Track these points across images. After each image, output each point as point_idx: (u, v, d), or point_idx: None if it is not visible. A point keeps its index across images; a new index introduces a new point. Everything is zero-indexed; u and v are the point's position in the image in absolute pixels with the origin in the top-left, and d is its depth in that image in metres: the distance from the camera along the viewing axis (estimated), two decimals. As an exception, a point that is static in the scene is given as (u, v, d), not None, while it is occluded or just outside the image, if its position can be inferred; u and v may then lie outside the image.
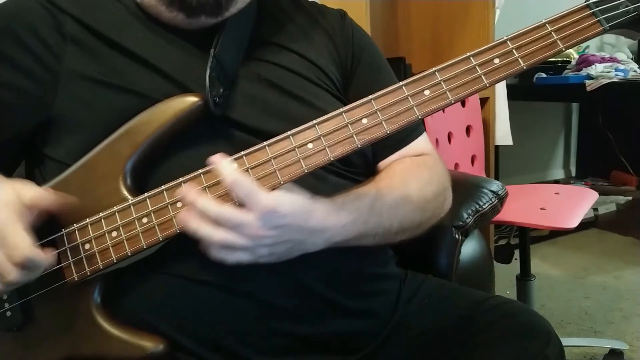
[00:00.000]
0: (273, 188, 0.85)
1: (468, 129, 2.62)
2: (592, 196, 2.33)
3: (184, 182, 0.87)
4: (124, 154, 0.90)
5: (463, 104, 2.57)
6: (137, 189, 0.90)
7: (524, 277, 2.31)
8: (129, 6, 1.00)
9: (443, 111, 2.44)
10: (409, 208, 1.00)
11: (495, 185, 1.54)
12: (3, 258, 0.79)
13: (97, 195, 0.90)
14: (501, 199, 1.53)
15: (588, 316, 2.63)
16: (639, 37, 0.86)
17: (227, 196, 0.85)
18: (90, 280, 0.89)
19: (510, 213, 2.08)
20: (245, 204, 0.82)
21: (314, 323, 0.96)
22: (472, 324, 1.02)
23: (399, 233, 1.00)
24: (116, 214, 0.88)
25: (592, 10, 0.82)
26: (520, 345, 0.96)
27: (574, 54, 3.65)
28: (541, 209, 2.17)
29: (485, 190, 1.51)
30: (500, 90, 2.82)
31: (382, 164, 1.11)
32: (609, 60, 3.37)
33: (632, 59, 3.62)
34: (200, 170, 0.87)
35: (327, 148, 0.85)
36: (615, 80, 3.12)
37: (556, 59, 3.63)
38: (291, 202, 0.84)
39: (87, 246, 0.88)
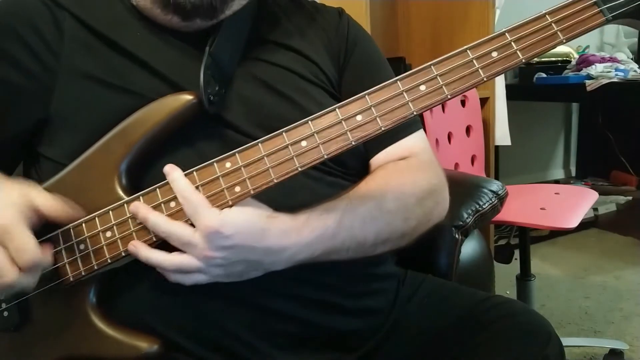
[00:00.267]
0: (266, 187, 0.84)
1: (468, 129, 2.62)
2: (592, 196, 2.33)
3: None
4: (119, 154, 0.90)
5: (463, 103, 2.57)
6: (133, 188, 0.90)
7: (524, 277, 2.31)
8: (127, 5, 1.00)
9: (443, 111, 2.44)
10: (387, 218, 0.96)
11: (495, 185, 1.54)
12: (5, 258, 0.79)
13: (93, 194, 0.89)
14: (501, 199, 1.53)
15: (588, 316, 2.63)
16: None
17: (180, 213, 0.86)
18: (86, 280, 0.89)
19: (510, 213, 2.09)
20: (193, 222, 0.83)
21: (311, 323, 0.96)
22: (472, 323, 1.02)
23: (378, 245, 0.96)
24: (110, 213, 0.87)
25: (594, 0, 0.79)
26: (520, 345, 0.96)
27: (574, 53, 3.66)
28: (541, 209, 2.17)
29: (485, 190, 1.51)
30: (500, 91, 2.82)
31: (372, 161, 1.08)
32: (609, 60, 3.37)
33: (632, 59, 3.62)
34: (193, 169, 0.86)
35: (320, 145, 0.82)
36: (615, 80, 3.13)
37: (556, 59, 3.64)
38: (237, 222, 0.82)
39: (82, 246, 0.88)
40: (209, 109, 0.91)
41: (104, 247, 0.87)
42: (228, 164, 0.85)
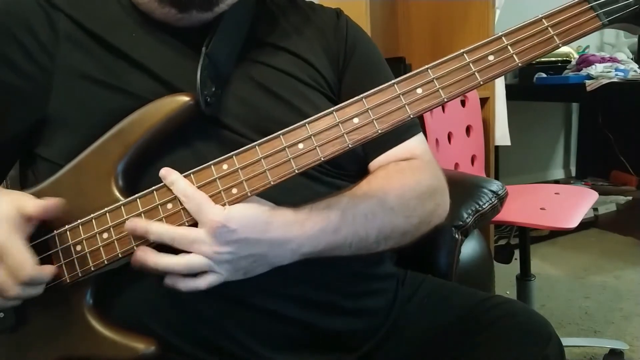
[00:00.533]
0: (263, 189, 0.84)
1: (468, 129, 2.62)
2: (592, 196, 2.33)
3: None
4: (116, 155, 0.90)
5: (463, 103, 2.57)
6: (129, 189, 0.90)
7: (524, 277, 2.31)
8: (124, 4, 1.00)
9: (443, 111, 2.44)
10: (389, 215, 0.96)
11: (495, 185, 1.54)
12: (4, 275, 0.80)
13: (89, 196, 0.89)
14: (501, 199, 1.53)
15: (588, 316, 2.63)
16: (639, 31, 0.83)
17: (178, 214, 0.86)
18: (82, 281, 0.89)
19: (510, 213, 2.09)
20: (197, 220, 0.83)
21: (310, 324, 0.96)
22: (472, 323, 1.02)
23: (380, 242, 0.96)
24: (107, 214, 0.87)
25: (590, 4, 0.79)
26: (520, 345, 0.96)
27: (574, 53, 3.66)
28: (541, 209, 2.17)
29: (485, 190, 1.51)
30: (499, 91, 2.82)
31: (372, 165, 1.08)
32: (609, 60, 3.37)
33: (632, 59, 3.62)
34: (190, 171, 0.86)
35: (317, 148, 0.83)
36: (615, 80, 3.13)
37: (556, 59, 3.64)
38: (242, 216, 0.83)
39: (78, 247, 0.88)
40: (205, 111, 0.91)
41: (101, 249, 0.87)
42: (225, 166, 0.85)
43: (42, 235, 0.87)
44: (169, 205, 0.86)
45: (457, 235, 1.36)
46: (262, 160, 0.84)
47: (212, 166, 0.85)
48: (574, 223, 2.00)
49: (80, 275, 0.88)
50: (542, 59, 3.61)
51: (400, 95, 0.82)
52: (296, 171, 0.84)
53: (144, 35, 0.98)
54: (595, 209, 3.87)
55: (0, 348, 0.92)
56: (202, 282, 0.83)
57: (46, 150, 0.95)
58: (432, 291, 1.13)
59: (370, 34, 2.22)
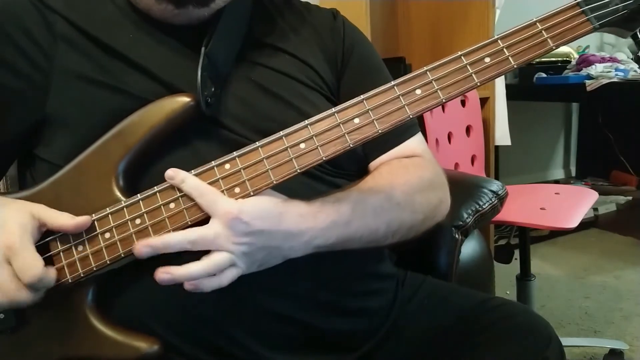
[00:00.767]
0: (266, 188, 0.85)
1: (468, 129, 2.62)
2: (592, 196, 2.33)
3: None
4: (117, 155, 0.90)
5: (463, 103, 2.57)
6: (130, 189, 0.90)
7: (524, 277, 2.31)
8: (120, 5, 1.00)
9: (443, 111, 2.45)
10: (396, 210, 0.98)
11: (495, 185, 1.54)
12: (10, 276, 0.81)
13: (90, 196, 0.89)
14: (501, 199, 1.53)
15: (588, 316, 2.63)
16: (628, 35, 0.86)
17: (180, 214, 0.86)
18: (84, 281, 0.89)
19: (510, 213, 2.09)
20: (210, 215, 0.84)
21: (309, 323, 0.96)
22: (472, 325, 1.02)
23: (388, 236, 0.98)
24: (109, 215, 0.88)
25: (582, 9, 0.82)
26: (520, 347, 0.96)
27: (574, 53, 3.66)
28: (541, 209, 2.17)
29: (485, 190, 1.51)
30: (499, 91, 2.82)
31: (372, 164, 1.09)
32: (609, 60, 3.37)
33: (632, 59, 3.62)
34: (192, 172, 0.87)
35: (319, 148, 0.84)
36: (615, 80, 3.13)
37: (556, 59, 3.64)
38: (255, 209, 0.84)
39: (80, 248, 0.88)
40: (206, 111, 0.91)
41: (103, 249, 0.87)
42: (227, 166, 0.86)
43: (44, 236, 0.88)
44: (172, 205, 0.86)
45: (457, 235, 1.36)
46: (265, 160, 0.85)
47: (214, 167, 0.86)
48: (574, 223, 2.00)
49: (82, 275, 0.88)
50: (542, 59, 3.61)
51: (400, 96, 0.84)
52: (298, 170, 0.85)
53: (141, 36, 0.98)
54: (595, 209, 3.87)
55: (2, 349, 0.92)
56: (225, 278, 0.84)
57: (45, 151, 0.95)
58: (432, 292, 1.13)
59: (370, 34, 2.23)
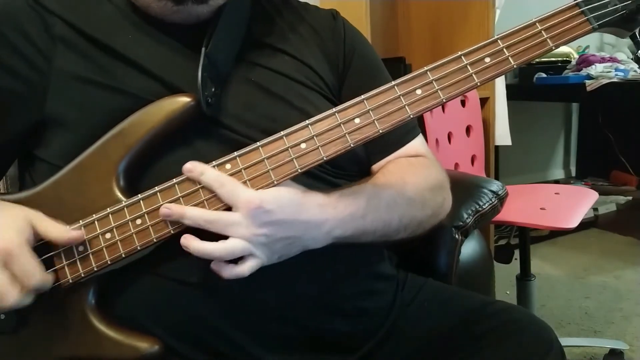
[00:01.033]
0: (267, 188, 0.85)
1: (468, 129, 2.62)
2: (592, 196, 2.33)
3: (177, 183, 0.87)
4: (117, 155, 0.90)
5: (463, 104, 2.57)
6: (130, 189, 0.90)
7: (524, 277, 2.31)
8: (119, 5, 1.00)
9: (443, 111, 2.44)
10: (408, 205, 1.00)
11: (495, 185, 1.54)
12: (6, 280, 0.81)
13: (90, 196, 0.90)
14: (501, 199, 1.52)
15: (588, 316, 2.63)
16: (627, 35, 0.87)
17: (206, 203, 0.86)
18: (85, 281, 0.89)
19: (510, 213, 2.09)
20: (231, 205, 0.84)
21: (308, 324, 0.96)
22: (472, 329, 1.02)
23: (400, 231, 0.99)
24: (110, 215, 0.88)
25: (581, 9, 0.83)
26: (522, 351, 0.95)
27: (574, 53, 3.66)
28: (541, 209, 2.17)
29: (485, 190, 1.51)
30: (500, 91, 2.82)
31: (376, 166, 1.10)
32: (609, 60, 3.37)
33: (632, 59, 3.62)
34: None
35: (320, 148, 0.85)
36: (615, 80, 3.13)
37: (556, 59, 3.64)
38: (277, 197, 0.84)
39: (80, 248, 0.88)
40: (206, 111, 0.91)
41: (104, 249, 0.87)
42: (228, 166, 0.86)
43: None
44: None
45: (457, 236, 1.36)
46: (266, 160, 0.86)
47: (215, 166, 0.86)
48: (574, 223, 2.00)
49: (83, 275, 0.88)
50: (542, 59, 3.62)
51: (401, 96, 0.85)
52: (299, 170, 0.85)
53: (140, 36, 0.98)
54: (595, 209, 3.86)
55: (2, 350, 0.92)
56: (244, 268, 0.84)
57: (45, 152, 0.95)
58: (433, 295, 1.13)
59: (370, 34, 2.23)
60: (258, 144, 0.86)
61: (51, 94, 0.94)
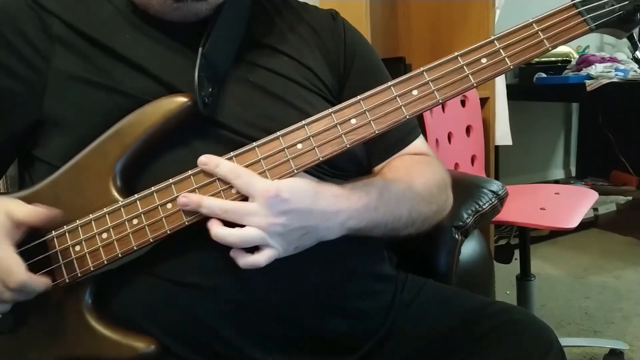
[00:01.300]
0: None
1: (468, 129, 2.61)
2: (592, 196, 2.32)
3: (174, 183, 0.87)
4: (114, 155, 0.90)
5: (463, 104, 2.57)
6: (127, 189, 0.90)
7: (524, 277, 2.31)
8: (118, 6, 1.00)
9: (443, 111, 2.44)
10: (416, 199, 1.01)
11: (495, 185, 1.54)
12: None
13: (87, 196, 0.90)
14: (501, 199, 1.52)
15: (588, 316, 2.62)
16: (624, 35, 0.87)
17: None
18: (81, 281, 0.89)
19: (510, 213, 2.08)
20: (248, 195, 0.84)
21: (306, 325, 0.96)
22: (472, 329, 1.01)
23: (408, 225, 1.00)
24: (106, 215, 0.88)
25: (578, 10, 0.84)
26: (521, 352, 0.95)
27: (574, 53, 3.65)
28: (541, 209, 2.16)
29: (485, 190, 1.50)
30: (500, 90, 2.82)
31: (377, 168, 1.10)
32: (609, 60, 3.37)
33: (631, 59, 3.61)
34: (190, 172, 0.87)
35: (316, 148, 0.85)
36: (615, 80, 3.13)
37: (556, 59, 3.64)
38: (293, 187, 0.85)
39: (77, 248, 0.88)
40: (203, 112, 0.91)
41: (100, 249, 0.88)
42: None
43: (40, 237, 0.88)
44: (169, 205, 0.86)
45: (457, 236, 1.35)
46: (262, 160, 0.86)
47: None
48: (574, 223, 1.99)
49: (79, 275, 0.88)
50: (542, 59, 3.62)
51: (397, 97, 0.85)
52: (295, 171, 0.86)
53: (139, 36, 0.98)
54: (595, 209, 3.86)
55: (0, 349, 0.92)
56: (261, 258, 0.84)
57: (43, 152, 0.96)
58: (433, 295, 1.13)
59: (370, 34, 2.23)
60: (254, 144, 0.87)
61: (49, 94, 0.94)
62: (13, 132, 0.96)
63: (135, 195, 0.88)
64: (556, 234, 3.53)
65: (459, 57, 0.85)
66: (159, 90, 0.93)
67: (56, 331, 0.90)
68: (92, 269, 0.88)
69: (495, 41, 0.84)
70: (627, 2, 0.82)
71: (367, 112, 0.85)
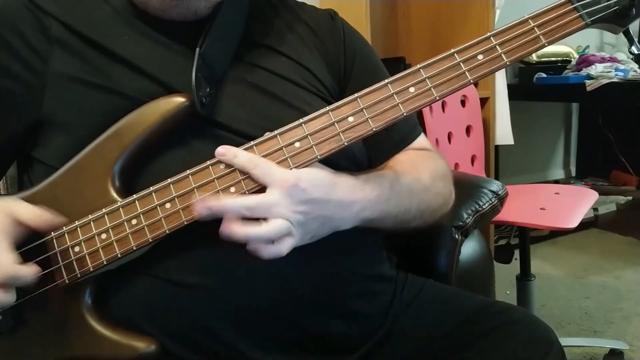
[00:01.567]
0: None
1: (468, 129, 2.62)
2: (592, 196, 2.32)
3: (172, 183, 0.87)
4: (112, 156, 0.90)
5: (463, 103, 2.57)
6: (126, 190, 0.90)
7: (524, 277, 2.31)
8: (116, 6, 1.00)
9: (443, 111, 2.45)
10: (424, 192, 1.02)
11: (495, 185, 1.54)
12: None
13: (86, 197, 0.90)
14: (501, 199, 1.52)
15: (588, 316, 2.62)
16: (620, 31, 0.87)
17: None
18: (81, 282, 0.89)
19: (510, 213, 2.08)
20: (266, 185, 0.84)
21: (305, 325, 0.96)
22: (472, 329, 1.01)
23: (416, 217, 1.02)
24: (105, 216, 0.88)
25: (573, 5, 0.84)
26: (522, 352, 0.95)
27: (574, 53, 3.65)
28: (541, 209, 2.17)
29: (485, 190, 1.50)
30: (501, 90, 2.82)
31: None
32: (609, 60, 3.37)
33: (631, 58, 3.61)
34: (188, 171, 0.87)
35: (314, 146, 0.86)
36: (615, 80, 3.13)
37: (556, 59, 3.64)
38: (311, 176, 0.85)
39: (76, 249, 0.88)
40: (201, 112, 0.91)
41: (100, 250, 0.87)
42: (222, 166, 0.86)
43: (39, 238, 0.88)
44: (168, 205, 0.86)
45: (457, 236, 1.36)
46: None
47: (209, 166, 0.86)
48: (574, 223, 1.99)
49: (79, 276, 0.88)
50: (542, 59, 3.62)
51: (394, 94, 0.86)
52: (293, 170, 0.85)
53: (137, 36, 0.98)
54: (595, 209, 3.86)
55: (0, 350, 0.92)
56: (284, 247, 0.84)
57: (42, 152, 0.95)
58: (433, 296, 1.13)
59: (370, 34, 2.24)
60: (252, 143, 0.87)
61: (48, 95, 0.94)
62: (12, 133, 0.96)
63: (134, 195, 0.88)
64: (556, 234, 3.53)
65: (455, 54, 0.85)
66: (157, 90, 0.93)
67: (56, 331, 0.90)
68: (91, 269, 0.88)
69: (492, 37, 0.85)
70: (622, -3, 0.83)
71: (364, 110, 0.86)
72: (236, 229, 0.82)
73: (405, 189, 0.98)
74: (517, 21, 0.85)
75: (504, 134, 2.85)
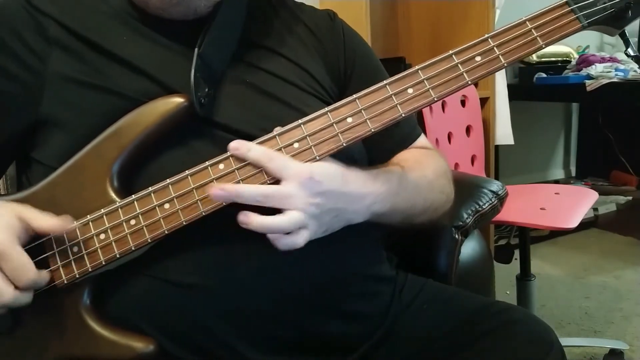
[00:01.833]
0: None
1: (468, 129, 2.62)
2: (592, 196, 2.32)
3: (171, 183, 0.87)
4: (111, 156, 0.90)
5: (463, 103, 2.57)
6: (124, 190, 0.90)
7: (524, 277, 2.31)
8: (115, 7, 1.00)
9: (443, 111, 2.45)
10: (429, 188, 1.04)
11: (495, 185, 1.54)
12: (1, 279, 0.80)
13: (85, 197, 0.90)
14: (501, 199, 1.52)
15: (588, 316, 2.62)
16: (616, 33, 0.88)
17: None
18: (80, 282, 0.89)
19: (510, 213, 2.08)
20: (281, 178, 0.84)
21: (304, 326, 0.96)
22: (472, 329, 1.01)
23: (422, 213, 1.03)
24: (104, 216, 0.88)
25: (570, 7, 0.85)
26: (522, 352, 0.95)
27: (574, 53, 3.65)
28: (541, 209, 2.17)
29: (485, 190, 1.51)
30: (501, 90, 2.82)
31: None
32: (609, 60, 3.37)
33: (631, 58, 3.61)
34: (187, 172, 0.87)
35: (313, 147, 0.86)
36: (615, 80, 3.13)
37: (556, 59, 3.64)
38: (324, 169, 0.85)
39: (75, 249, 0.88)
40: (199, 112, 0.91)
41: (98, 250, 0.87)
42: (221, 166, 0.86)
43: (38, 238, 0.88)
44: (166, 206, 0.86)
45: (457, 236, 1.36)
46: None
47: (208, 166, 0.86)
48: (574, 223, 1.99)
49: (77, 276, 0.88)
50: (542, 59, 3.62)
51: (392, 96, 0.86)
52: None
53: (136, 37, 0.98)
54: (595, 209, 3.86)
55: (-1, 350, 0.92)
56: (300, 239, 0.84)
57: (41, 154, 0.95)
58: (432, 296, 1.13)
59: (370, 34, 2.24)
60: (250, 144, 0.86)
61: (47, 96, 0.94)
62: (11, 134, 0.96)
63: (133, 195, 0.88)
64: (556, 234, 3.53)
65: (453, 56, 0.86)
66: (156, 91, 0.93)
67: (55, 331, 0.90)
68: (90, 269, 0.88)
69: (489, 39, 0.85)
70: (618, -1, 0.83)
71: (363, 111, 0.86)
72: (253, 217, 0.83)
73: (412, 184, 0.99)
74: (514, 23, 0.85)
75: (504, 134, 2.85)
